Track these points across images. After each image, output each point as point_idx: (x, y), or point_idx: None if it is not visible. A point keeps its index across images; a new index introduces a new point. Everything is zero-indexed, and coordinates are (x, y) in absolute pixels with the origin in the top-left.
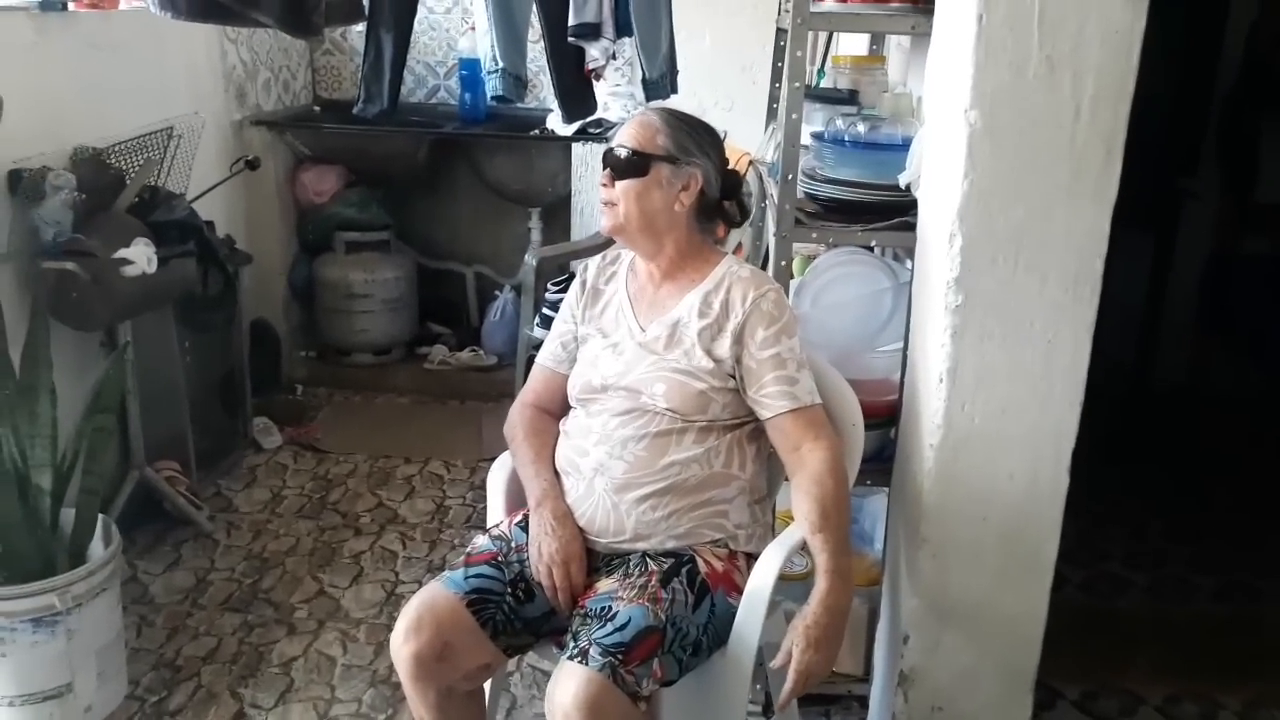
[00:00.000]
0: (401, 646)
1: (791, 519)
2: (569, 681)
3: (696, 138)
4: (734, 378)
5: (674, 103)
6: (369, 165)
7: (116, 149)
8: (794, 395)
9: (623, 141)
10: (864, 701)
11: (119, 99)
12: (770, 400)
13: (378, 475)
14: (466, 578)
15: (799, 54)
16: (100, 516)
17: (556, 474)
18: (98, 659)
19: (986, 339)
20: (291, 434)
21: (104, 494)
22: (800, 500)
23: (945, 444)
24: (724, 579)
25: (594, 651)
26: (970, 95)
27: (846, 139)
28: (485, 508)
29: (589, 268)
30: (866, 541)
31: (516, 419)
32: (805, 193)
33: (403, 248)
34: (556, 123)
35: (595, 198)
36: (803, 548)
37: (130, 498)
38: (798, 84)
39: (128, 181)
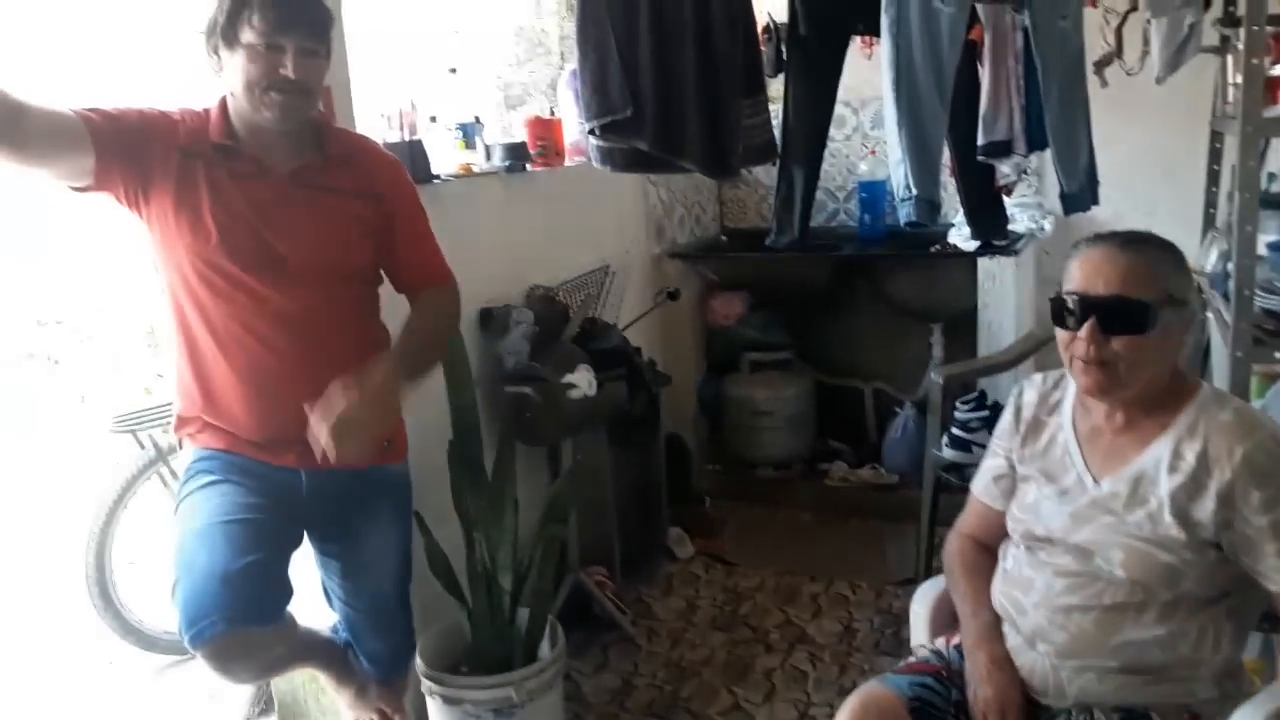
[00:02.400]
0: None
1: (1258, 670)
2: None
3: (1186, 272)
4: (1216, 546)
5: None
6: (771, 288)
7: (563, 287)
8: None
9: (1117, 290)
10: None
11: (565, 243)
12: (1278, 575)
13: (784, 591)
14: (909, 684)
15: (1250, 163)
16: (548, 617)
17: (995, 613)
18: None
19: None
20: (702, 545)
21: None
22: None
23: None
24: None
25: None
26: None
27: None
28: (894, 633)
29: (1025, 393)
30: None
31: (954, 550)
32: (1262, 308)
33: (803, 366)
34: (959, 238)
35: (1001, 312)
36: None
37: (566, 600)
38: (1249, 194)
39: (571, 315)
